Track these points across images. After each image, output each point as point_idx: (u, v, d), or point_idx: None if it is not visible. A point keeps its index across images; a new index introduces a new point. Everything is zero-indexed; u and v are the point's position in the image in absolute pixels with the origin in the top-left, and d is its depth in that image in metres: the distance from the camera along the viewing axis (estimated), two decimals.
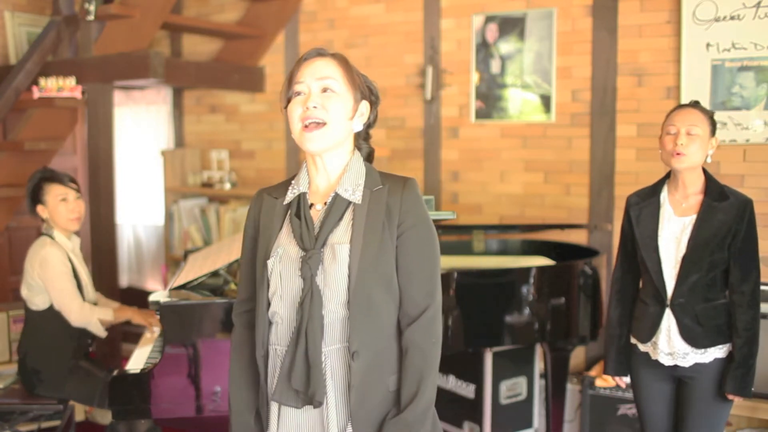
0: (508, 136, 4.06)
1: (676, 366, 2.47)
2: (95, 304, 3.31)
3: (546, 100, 3.92)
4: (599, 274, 3.28)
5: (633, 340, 2.60)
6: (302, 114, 1.72)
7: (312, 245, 1.70)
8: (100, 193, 4.19)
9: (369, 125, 1.85)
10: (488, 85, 4.07)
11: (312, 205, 1.78)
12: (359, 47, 4.45)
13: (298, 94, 1.74)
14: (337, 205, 1.73)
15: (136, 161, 5.59)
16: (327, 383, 1.69)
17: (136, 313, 3.29)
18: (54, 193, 3.20)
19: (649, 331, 2.50)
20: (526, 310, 3.05)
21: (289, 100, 1.76)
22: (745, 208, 2.39)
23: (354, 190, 1.74)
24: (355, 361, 1.67)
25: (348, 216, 1.73)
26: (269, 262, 1.74)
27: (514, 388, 3.68)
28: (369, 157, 1.87)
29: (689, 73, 3.50)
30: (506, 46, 4.00)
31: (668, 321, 2.46)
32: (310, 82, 1.73)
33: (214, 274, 2.86)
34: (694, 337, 2.43)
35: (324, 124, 1.71)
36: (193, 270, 3.03)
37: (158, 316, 2.65)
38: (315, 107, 1.70)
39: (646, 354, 2.55)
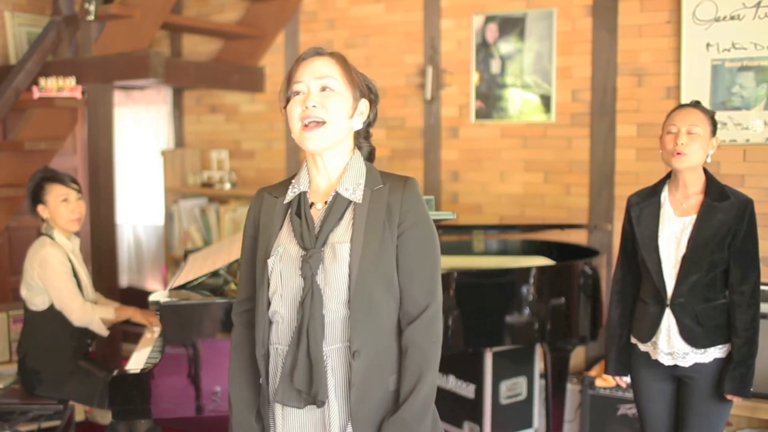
0: (508, 136, 4.06)
1: (676, 366, 2.47)
2: (95, 303, 3.31)
3: (546, 100, 3.92)
4: (599, 274, 3.28)
5: (633, 340, 2.60)
6: (302, 113, 1.72)
7: (312, 244, 1.70)
8: (100, 193, 4.19)
9: (369, 124, 1.85)
10: (488, 85, 4.07)
11: (312, 204, 1.78)
12: (359, 47, 4.45)
13: (297, 93, 1.74)
14: (337, 205, 1.73)
15: (136, 161, 5.59)
16: (328, 382, 1.69)
17: (137, 311, 3.30)
18: (55, 193, 3.20)
19: (649, 331, 2.50)
20: (526, 310, 3.05)
21: (288, 100, 1.76)
22: (745, 207, 2.39)
23: (354, 189, 1.74)
24: (356, 361, 1.67)
25: (348, 215, 1.73)
26: (269, 262, 1.74)
27: (514, 388, 3.68)
28: (370, 156, 1.87)
29: (689, 73, 3.50)
30: (506, 46, 4.00)
31: (668, 321, 2.46)
32: (309, 82, 1.73)
33: (214, 274, 2.86)
34: (693, 337, 2.43)
35: (324, 122, 1.71)
36: (193, 270, 3.03)
37: (158, 316, 2.65)
38: (314, 106, 1.70)
39: (647, 354, 2.55)
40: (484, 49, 4.07)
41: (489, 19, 4.04)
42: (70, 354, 3.18)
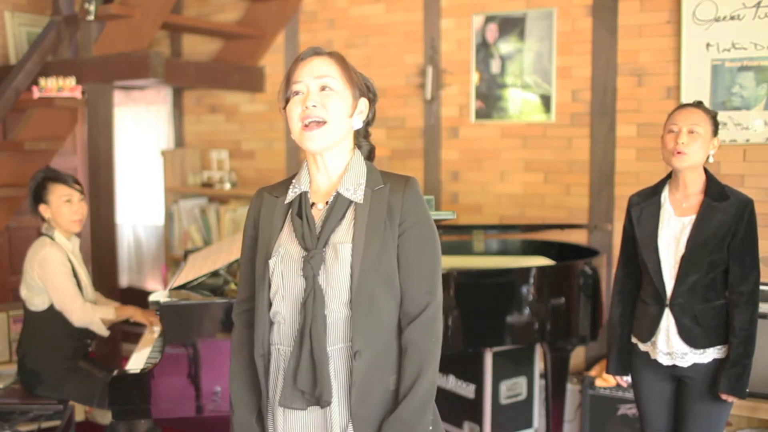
0: (508, 136, 4.06)
1: (674, 366, 2.47)
2: (95, 304, 3.31)
3: (546, 100, 3.92)
4: (599, 274, 3.28)
5: (634, 340, 2.60)
6: (302, 113, 1.71)
7: (314, 245, 1.70)
8: (100, 193, 4.18)
9: (368, 123, 1.85)
10: (488, 85, 4.07)
11: (313, 204, 1.78)
12: (359, 47, 4.45)
13: (297, 93, 1.74)
14: (338, 205, 1.73)
15: (136, 161, 5.59)
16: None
17: (137, 310, 3.29)
18: (58, 193, 3.19)
19: (649, 331, 2.50)
20: (526, 310, 3.05)
21: (287, 101, 1.76)
22: (745, 207, 2.38)
23: (355, 190, 1.74)
24: (357, 361, 1.67)
25: (350, 215, 1.73)
26: (271, 262, 1.73)
27: (514, 388, 3.68)
28: (370, 155, 1.87)
29: (689, 73, 3.50)
30: (506, 46, 4.00)
31: (667, 321, 2.46)
32: (309, 81, 1.73)
33: (214, 274, 2.86)
34: (693, 337, 2.43)
35: (324, 122, 1.71)
36: (193, 270, 3.03)
37: (158, 316, 2.65)
38: (314, 106, 1.70)
39: (646, 354, 2.55)
40: (484, 49, 4.07)
41: (489, 19, 4.04)
42: (69, 354, 3.18)
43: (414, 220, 1.74)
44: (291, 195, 1.79)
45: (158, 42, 5.22)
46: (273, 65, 4.79)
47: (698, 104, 2.48)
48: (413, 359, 1.70)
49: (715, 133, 2.45)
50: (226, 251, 3.05)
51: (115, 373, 2.63)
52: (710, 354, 2.43)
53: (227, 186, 4.81)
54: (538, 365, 3.75)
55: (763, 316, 3.03)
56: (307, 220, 1.73)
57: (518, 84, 3.98)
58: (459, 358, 3.65)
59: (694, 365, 2.44)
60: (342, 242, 1.69)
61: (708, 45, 3.45)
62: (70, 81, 4.03)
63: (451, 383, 3.75)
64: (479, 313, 2.98)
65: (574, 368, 3.81)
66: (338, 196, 1.74)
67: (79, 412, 3.90)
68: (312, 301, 1.66)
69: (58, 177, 3.23)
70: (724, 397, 2.39)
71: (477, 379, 3.62)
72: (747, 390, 2.40)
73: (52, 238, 3.19)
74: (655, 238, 2.48)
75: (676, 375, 2.50)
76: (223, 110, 5.08)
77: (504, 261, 3.64)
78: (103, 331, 3.21)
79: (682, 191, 2.48)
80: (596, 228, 3.68)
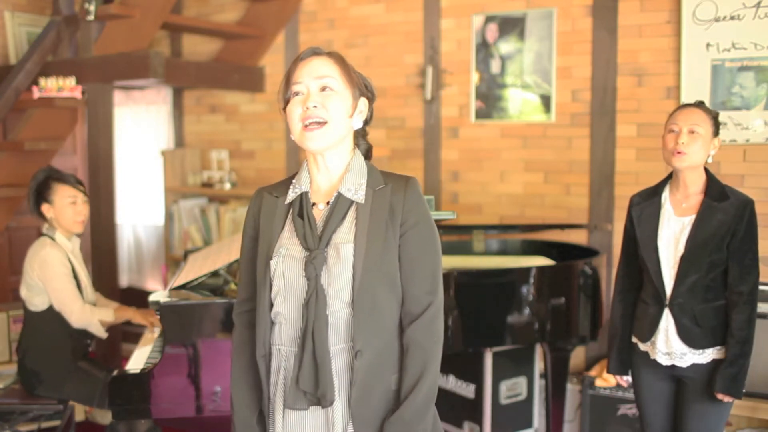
0: (508, 136, 4.06)
1: (674, 366, 2.47)
2: (94, 305, 3.31)
3: (546, 100, 3.92)
4: (599, 274, 3.28)
5: (634, 339, 2.60)
6: (302, 114, 1.71)
7: (316, 245, 1.70)
8: (100, 193, 4.19)
9: (366, 122, 1.85)
10: (488, 85, 4.07)
11: (314, 204, 1.78)
12: (359, 47, 4.45)
13: (297, 94, 1.74)
14: (340, 205, 1.73)
15: (136, 161, 5.59)
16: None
17: (136, 312, 3.29)
18: (63, 194, 3.19)
19: (649, 331, 2.50)
20: (526, 310, 3.05)
21: (287, 101, 1.76)
22: (745, 207, 2.38)
23: (357, 190, 1.74)
24: (359, 360, 1.67)
25: (351, 215, 1.73)
26: (272, 263, 1.73)
27: (514, 388, 3.68)
28: (367, 154, 1.87)
29: (689, 73, 3.50)
30: (506, 46, 4.00)
31: (667, 321, 2.46)
32: (309, 82, 1.72)
33: (214, 274, 2.86)
34: (692, 337, 2.43)
35: (325, 122, 1.71)
36: (193, 270, 3.03)
37: (158, 316, 2.65)
38: (315, 107, 1.70)
39: (646, 353, 2.55)
40: (484, 49, 4.07)
41: (489, 19, 4.04)
42: (69, 354, 3.18)
43: (415, 220, 1.74)
44: (291, 195, 1.79)
45: (158, 42, 5.22)
46: (273, 65, 4.79)
47: (699, 104, 2.48)
48: (415, 359, 1.70)
49: (716, 133, 2.45)
50: (226, 251, 3.05)
51: (115, 373, 2.63)
52: (709, 354, 2.43)
53: (227, 186, 4.81)
54: (538, 365, 3.75)
55: (763, 316, 3.03)
56: (308, 221, 1.73)
57: (518, 84, 3.98)
58: (459, 358, 3.65)
59: (693, 365, 2.44)
60: (344, 242, 1.69)
61: (708, 45, 3.45)
62: (70, 81, 4.03)
63: (451, 383, 3.75)
64: (479, 313, 2.98)
65: (574, 368, 3.81)
66: (339, 196, 1.74)
67: (79, 412, 3.90)
68: (314, 302, 1.66)
69: (63, 177, 3.22)
70: (720, 397, 2.39)
71: (477, 379, 3.62)
72: (744, 390, 2.40)
73: (52, 239, 3.19)
74: (655, 238, 2.48)
75: (675, 375, 2.50)
76: (223, 110, 5.08)
77: (504, 261, 3.64)
78: (101, 333, 3.20)
79: (682, 191, 2.48)
80: (596, 228, 3.68)
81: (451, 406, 3.73)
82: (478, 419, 3.62)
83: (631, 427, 3.41)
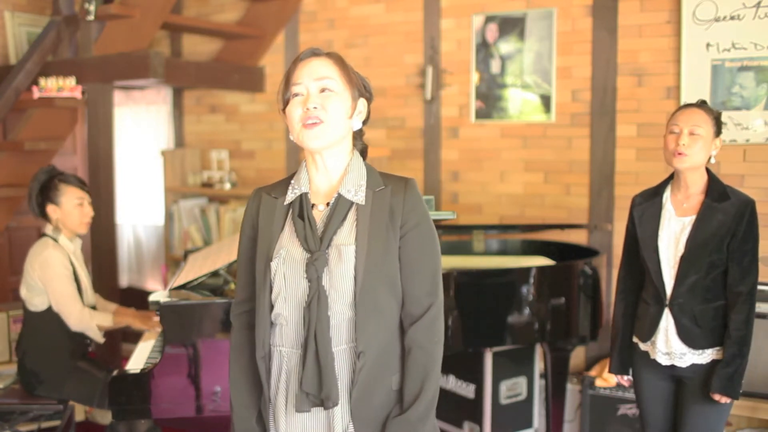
0: (508, 136, 4.06)
1: (673, 366, 2.47)
2: (94, 306, 3.31)
3: (546, 100, 3.92)
4: (599, 274, 3.28)
5: (635, 339, 2.60)
6: (302, 115, 1.71)
7: (317, 246, 1.69)
8: (100, 193, 4.18)
9: (363, 122, 1.84)
10: (488, 85, 4.07)
11: (313, 205, 1.77)
12: (359, 47, 4.45)
13: (296, 95, 1.73)
14: (340, 206, 1.73)
15: (136, 161, 5.59)
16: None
17: (136, 317, 3.29)
18: (71, 195, 3.18)
19: (649, 331, 2.50)
20: (526, 310, 3.05)
21: (286, 102, 1.75)
22: (745, 208, 2.38)
23: (356, 191, 1.74)
24: (361, 361, 1.68)
25: (351, 216, 1.73)
26: (273, 264, 1.73)
27: (514, 388, 3.68)
28: (362, 154, 1.86)
29: (689, 73, 3.50)
30: (506, 46, 4.00)
31: (667, 321, 2.46)
32: (308, 83, 1.72)
33: (214, 274, 2.86)
34: (692, 338, 2.43)
35: (324, 123, 1.70)
36: (193, 270, 3.03)
37: (158, 317, 2.65)
38: (315, 107, 1.70)
39: (646, 353, 2.55)
40: (484, 49, 4.07)
41: (489, 19, 4.04)
42: (68, 354, 3.18)
43: (415, 222, 1.74)
44: (291, 196, 1.78)
45: (158, 42, 5.22)
46: (273, 65, 4.79)
47: (701, 104, 2.47)
48: (418, 361, 1.71)
49: (718, 133, 2.44)
50: (226, 251, 3.04)
51: (115, 373, 2.63)
52: (709, 355, 2.43)
53: (227, 186, 4.81)
54: (538, 365, 3.75)
55: (763, 316, 3.03)
56: (309, 222, 1.72)
57: (518, 84, 3.98)
58: (459, 358, 3.65)
59: (693, 365, 2.44)
60: (346, 244, 1.69)
61: (708, 45, 3.45)
62: (70, 81, 4.03)
63: (451, 383, 3.75)
64: (479, 313, 2.98)
65: (574, 368, 3.81)
66: (340, 197, 1.74)
67: (79, 412, 3.90)
68: (316, 303, 1.66)
69: (68, 179, 3.22)
70: (716, 397, 2.39)
71: (477, 379, 3.62)
72: (743, 390, 2.40)
73: (55, 240, 3.18)
74: (656, 238, 2.48)
75: (675, 375, 2.50)
76: (223, 110, 5.08)
77: (504, 261, 3.64)
78: (99, 338, 3.20)
79: (683, 192, 2.48)
80: (596, 228, 3.68)
81: (451, 406, 3.73)
82: (478, 419, 3.62)
83: (631, 427, 3.41)
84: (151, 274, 5.61)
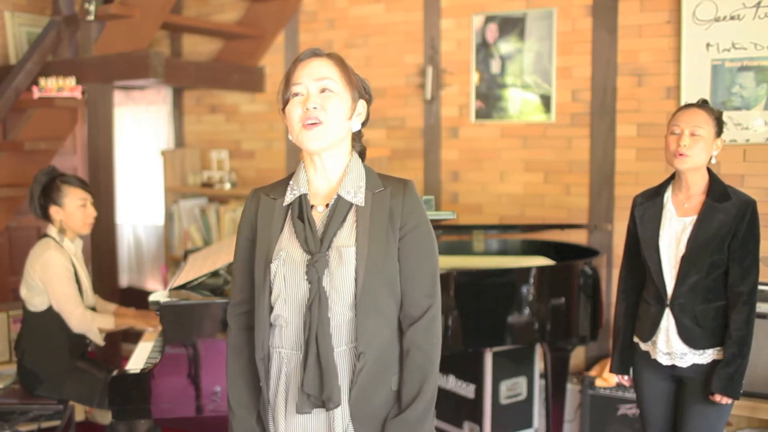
0: (508, 136, 4.06)
1: (674, 366, 2.47)
2: (94, 307, 3.31)
3: (546, 100, 3.92)
4: (599, 274, 3.28)
5: (636, 339, 2.60)
6: (302, 115, 1.71)
7: (317, 248, 1.69)
8: (100, 193, 4.18)
9: (362, 123, 1.84)
10: (488, 85, 4.07)
11: (312, 206, 1.77)
12: (359, 47, 4.45)
13: (296, 95, 1.73)
14: (340, 208, 1.73)
15: (136, 161, 5.59)
16: None
17: (137, 319, 3.29)
18: (74, 197, 3.18)
19: (650, 331, 2.50)
20: (526, 310, 3.05)
21: (286, 102, 1.75)
22: (746, 208, 2.38)
23: (356, 193, 1.74)
24: (361, 362, 1.68)
25: (351, 218, 1.73)
26: (273, 266, 1.72)
27: (514, 388, 3.68)
28: (361, 155, 1.86)
29: (689, 73, 3.50)
30: (506, 46, 4.00)
31: (667, 321, 2.46)
32: (308, 83, 1.72)
33: (214, 274, 2.86)
34: (693, 338, 2.43)
35: (323, 123, 1.70)
36: (193, 270, 3.03)
37: (158, 316, 2.65)
38: (315, 108, 1.70)
39: (647, 353, 2.55)
40: (484, 49, 4.07)
41: (489, 19, 4.04)
42: (68, 354, 3.17)
43: (414, 224, 1.74)
44: (290, 197, 1.78)
45: (158, 42, 5.22)
46: (273, 65, 4.79)
47: (702, 104, 2.47)
48: (417, 362, 1.71)
49: (719, 133, 2.44)
50: (226, 251, 3.04)
51: (115, 373, 2.63)
52: (710, 355, 2.43)
53: (227, 186, 4.81)
54: (538, 365, 3.75)
55: (763, 316, 3.03)
56: (308, 223, 1.72)
57: (518, 84, 3.98)
58: (459, 358, 3.65)
59: (694, 365, 2.44)
60: (346, 246, 1.69)
61: (708, 45, 3.45)
62: (70, 81, 4.03)
63: (451, 383, 3.75)
64: (479, 313, 2.98)
65: (574, 368, 3.81)
66: (339, 198, 1.73)
67: (79, 412, 3.90)
68: (317, 305, 1.66)
69: (71, 180, 3.22)
70: (717, 398, 2.39)
71: (477, 379, 3.62)
72: (743, 390, 2.40)
73: (56, 241, 3.17)
74: (657, 238, 2.48)
75: (676, 375, 2.50)
76: (223, 110, 5.08)
77: (504, 261, 3.64)
78: (99, 341, 3.20)
79: (684, 192, 2.48)
80: (596, 228, 3.68)
81: (451, 406, 3.72)
82: (478, 419, 3.62)
83: (631, 427, 3.41)
84: (151, 274, 5.61)
